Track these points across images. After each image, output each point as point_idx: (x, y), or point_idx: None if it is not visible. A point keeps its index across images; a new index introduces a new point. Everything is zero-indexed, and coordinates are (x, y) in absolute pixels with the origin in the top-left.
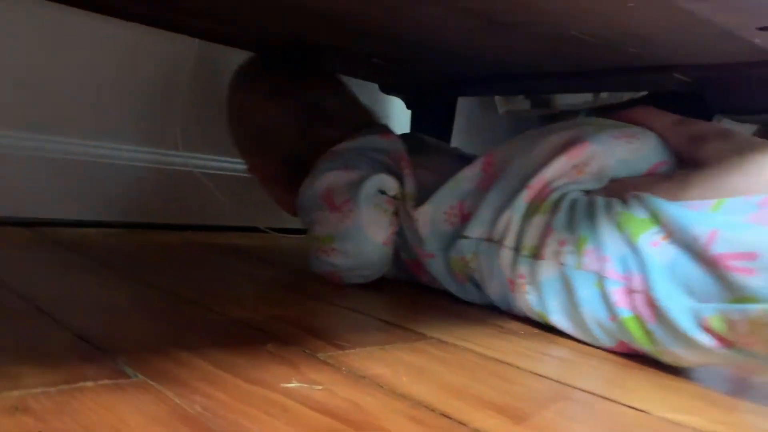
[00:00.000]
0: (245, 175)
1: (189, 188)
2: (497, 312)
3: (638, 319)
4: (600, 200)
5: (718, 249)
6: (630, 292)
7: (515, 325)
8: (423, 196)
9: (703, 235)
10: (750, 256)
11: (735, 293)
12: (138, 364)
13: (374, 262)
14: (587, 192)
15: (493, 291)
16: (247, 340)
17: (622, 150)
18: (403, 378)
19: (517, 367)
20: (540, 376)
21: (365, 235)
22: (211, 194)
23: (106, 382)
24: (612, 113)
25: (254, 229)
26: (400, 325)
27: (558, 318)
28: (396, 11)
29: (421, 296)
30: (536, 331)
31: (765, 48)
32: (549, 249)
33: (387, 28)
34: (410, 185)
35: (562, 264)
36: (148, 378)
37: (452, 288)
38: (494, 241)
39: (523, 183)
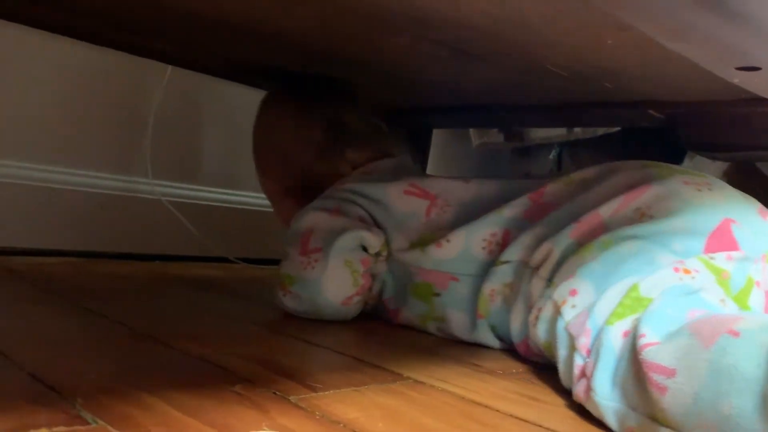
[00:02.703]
0: (215, 204)
1: (156, 217)
2: (474, 350)
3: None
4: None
5: (647, 355)
6: (582, 375)
7: (493, 364)
8: (460, 214)
9: (644, 335)
10: (668, 372)
11: (650, 408)
12: (96, 408)
13: (326, 315)
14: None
15: (515, 320)
16: (214, 381)
17: (690, 194)
18: (378, 423)
19: (496, 410)
20: (519, 419)
21: (322, 289)
22: (179, 223)
23: (62, 429)
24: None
25: (224, 260)
26: (375, 364)
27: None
28: (366, 41)
29: (397, 332)
30: (514, 370)
31: (743, 88)
32: (559, 292)
33: (359, 57)
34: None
35: (559, 314)
36: (108, 423)
37: (462, 320)
38: (530, 267)
39: (573, 218)
